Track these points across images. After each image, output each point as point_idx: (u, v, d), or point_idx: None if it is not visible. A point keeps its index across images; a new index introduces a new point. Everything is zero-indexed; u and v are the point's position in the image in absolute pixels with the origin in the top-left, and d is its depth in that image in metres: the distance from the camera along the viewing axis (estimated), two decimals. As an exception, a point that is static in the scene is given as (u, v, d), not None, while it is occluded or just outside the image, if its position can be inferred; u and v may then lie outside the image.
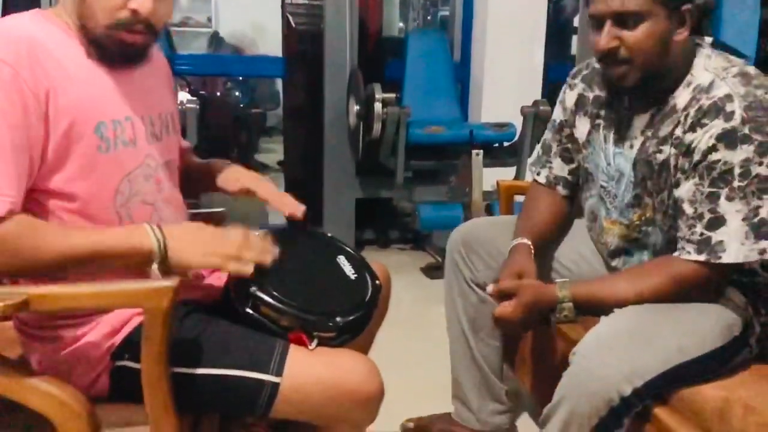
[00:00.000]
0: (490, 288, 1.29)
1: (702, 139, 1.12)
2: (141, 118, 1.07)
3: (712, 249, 1.12)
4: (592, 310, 1.23)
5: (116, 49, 1.02)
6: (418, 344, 2.33)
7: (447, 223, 2.93)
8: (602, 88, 1.35)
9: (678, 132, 1.17)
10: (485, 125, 3.27)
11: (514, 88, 3.53)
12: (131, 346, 1.00)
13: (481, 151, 2.99)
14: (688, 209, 1.15)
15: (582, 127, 1.39)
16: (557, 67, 4.11)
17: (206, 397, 1.02)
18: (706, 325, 1.16)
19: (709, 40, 1.25)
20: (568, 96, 1.43)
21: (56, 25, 1.01)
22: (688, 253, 1.15)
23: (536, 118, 3.16)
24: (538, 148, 1.57)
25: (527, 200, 1.54)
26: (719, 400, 1.08)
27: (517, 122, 3.21)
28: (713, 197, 1.12)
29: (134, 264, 0.98)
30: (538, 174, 1.53)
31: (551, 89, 4.01)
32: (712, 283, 1.17)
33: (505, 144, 3.30)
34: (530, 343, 1.62)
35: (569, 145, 1.45)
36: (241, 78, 6.66)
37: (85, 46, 1.01)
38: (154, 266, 0.96)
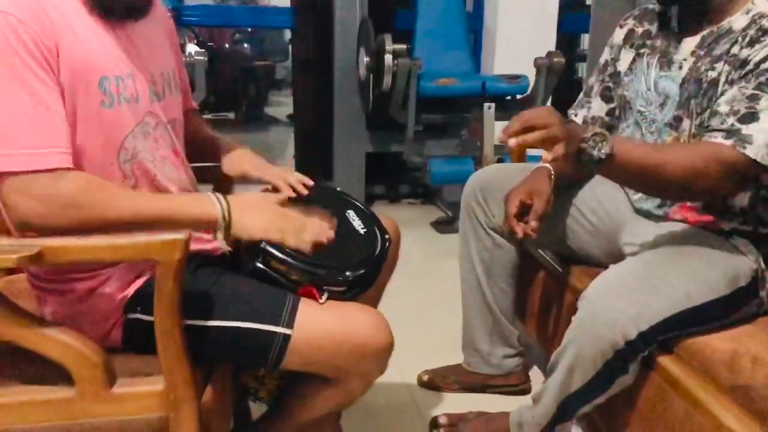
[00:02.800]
0: (511, 142, 1.02)
1: (760, 52, 1.13)
2: (143, 75, 1.05)
3: (740, 138, 1.10)
4: (624, 160, 1.08)
5: (118, 1, 1.00)
6: (428, 298, 2.35)
7: (458, 177, 2.92)
8: (652, 22, 1.37)
9: (734, 50, 1.18)
10: (498, 77, 3.22)
11: (528, 39, 3.46)
12: (143, 298, 1.01)
13: (493, 104, 2.95)
14: (724, 108, 1.14)
15: (626, 59, 1.41)
16: (571, 18, 4.02)
17: (218, 349, 1.03)
18: (713, 273, 1.16)
19: None
20: (617, 34, 1.46)
21: None
22: (716, 138, 1.12)
23: (550, 70, 3.10)
24: (581, 94, 1.56)
25: None
26: (728, 352, 1.09)
27: (530, 74, 3.16)
28: (754, 97, 1.12)
29: (198, 230, 1.00)
30: (576, 115, 1.53)
31: (565, 40, 3.93)
32: (735, 174, 1.11)
33: (518, 97, 3.25)
34: (538, 295, 1.63)
35: (611, 84, 1.46)
36: (249, 29, 6.57)
37: (86, 1, 0.99)
38: (219, 235, 0.99)
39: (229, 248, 1.04)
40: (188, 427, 0.96)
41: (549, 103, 3.32)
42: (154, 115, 1.08)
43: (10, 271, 1.27)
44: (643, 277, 1.15)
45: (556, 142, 1.02)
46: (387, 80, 2.93)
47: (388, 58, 2.88)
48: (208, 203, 0.99)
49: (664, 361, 1.15)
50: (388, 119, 3.19)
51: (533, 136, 1.01)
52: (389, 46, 2.88)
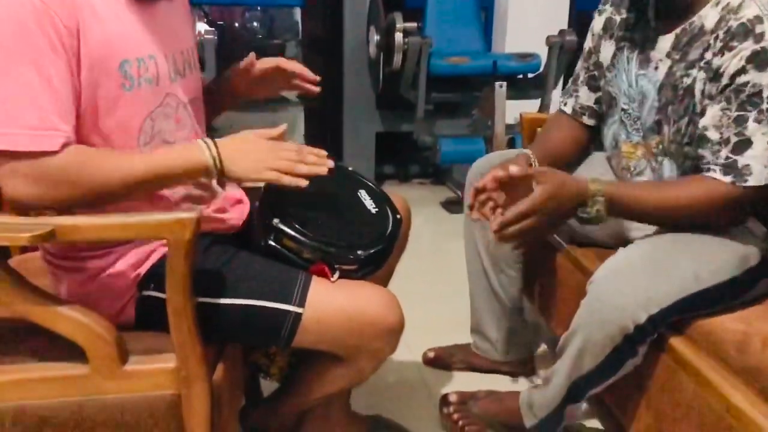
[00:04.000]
0: (494, 173, 1.18)
1: (731, 62, 1.10)
2: (164, 55, 1.05)
3: (739, 172, 1.10)
4: (623, 211, 1.17)
5: None
6: (438, 277, 2.36)
7: (468, 157, 2.89)
8: (630, 9, 1.32)
9: (707, 56, 1.14)
10: (509, 56, 3.19)
11: (540, 16, 3.41)
12: (156, 276, 1.02)
13: (505, 82, 2.92)
14: (714, 135, 1.13)
15: (606, 51, 1.37)
16: (585, -5, 3.96)
17: (230, 327, 1.04)
18: (723, 255, 1.16)
19: None
20: (597, 21, 1.42)
21: None
22: (715, 172, 1.13)
23: (562, 49, 3.07)
24: (570, 80, 1.54)
25: (545, 125, 1.52)
26: (738, 333, 1.08)
27: (543, 53, 3.12)
28: (740, 120, 1.10)
29: (194, 180, 1.00)
30: (565, 104, 1.51)
31: (578, 18, 3.88)
32: (739, 205, 1.15)
33: (530, 75, 3.22)
34: (548, 274, 1.62)
35: (595, 72, 1.43)
36: (259, 8, 6.53)
37: None
38: (214, 182, 0.97)
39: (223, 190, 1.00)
40: (200, 404, 0.97)
41: (561, 81, 3.28)
42: (175, 96, 1.08)
43: (25, 249, 1.28)
44: (652, 260, 1.14)
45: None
46: (397, 59, 2.91)
47: (399, 36, 2.85)
48: (197, 151, 0.98)
49: (674, 341, 1.14)
50: (398, 98, 3.17)
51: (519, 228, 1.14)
52: (400, 24, 2.85)
